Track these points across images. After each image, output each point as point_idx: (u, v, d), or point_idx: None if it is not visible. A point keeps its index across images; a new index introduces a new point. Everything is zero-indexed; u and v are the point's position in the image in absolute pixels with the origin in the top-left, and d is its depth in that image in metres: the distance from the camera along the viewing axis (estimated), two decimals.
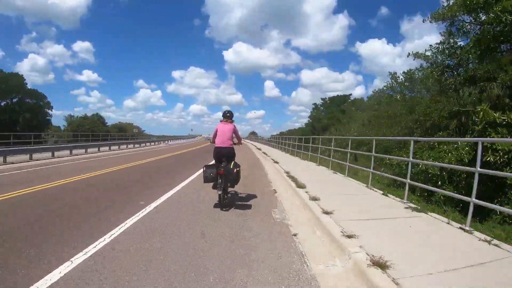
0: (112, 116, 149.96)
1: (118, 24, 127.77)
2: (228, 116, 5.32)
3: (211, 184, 5.05)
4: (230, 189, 5.80)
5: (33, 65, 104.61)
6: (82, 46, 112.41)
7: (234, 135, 5.26)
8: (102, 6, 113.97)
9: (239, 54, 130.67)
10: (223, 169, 4.84)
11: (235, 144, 5.36)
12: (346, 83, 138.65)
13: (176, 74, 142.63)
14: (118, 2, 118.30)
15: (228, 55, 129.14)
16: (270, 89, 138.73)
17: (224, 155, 5.06)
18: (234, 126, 5.28)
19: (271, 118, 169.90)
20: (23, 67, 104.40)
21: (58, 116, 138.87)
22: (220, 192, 4.82)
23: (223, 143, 5.08)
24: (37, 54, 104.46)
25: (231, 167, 4.91)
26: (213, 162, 5.35)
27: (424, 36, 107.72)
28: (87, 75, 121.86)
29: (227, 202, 5.26)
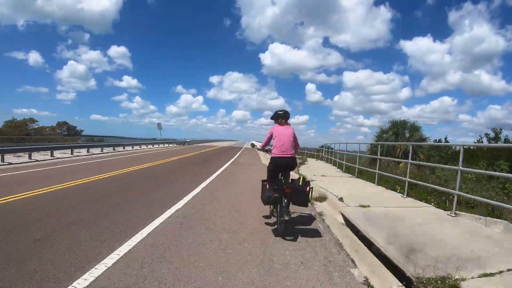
0: (156, 122, 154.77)
1: (150, 28, 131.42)
2: (286, 117, 4.23)
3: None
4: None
5: (72, 72, 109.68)
6: (117, 51, 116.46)
7: (294, 141, 4.15)
8: (132, 10, 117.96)
9: (276, 56, 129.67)
10: (291, 187, 3.75)
11: (295, 153, 4.26)
12: (391, 85, 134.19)
13: (214, 79, 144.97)
14: (148, 6, 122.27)
15: (265, 57, 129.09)
16: (312, 92, 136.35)
17: (288, 167, 4.08)
18: (293, 129, 4.19)
19: (315, 124, 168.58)
20: (63, 74, 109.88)
21: (104, 121, 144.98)
22: (287, 218, 3.64)
23: (285, 152, 3.99)
24: (75, 61, 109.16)
25: (300, 183, 3.78)
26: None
27: (475, 27, 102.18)
28: (127, 81, 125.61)
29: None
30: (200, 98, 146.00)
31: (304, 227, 4.32)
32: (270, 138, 4.22)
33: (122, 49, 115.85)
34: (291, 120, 4.37)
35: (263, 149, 4.63)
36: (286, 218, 3.64)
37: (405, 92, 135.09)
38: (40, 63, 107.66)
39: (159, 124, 40.86)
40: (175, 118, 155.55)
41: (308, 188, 3.77)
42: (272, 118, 4.34)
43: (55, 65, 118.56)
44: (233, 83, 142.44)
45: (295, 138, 4.17)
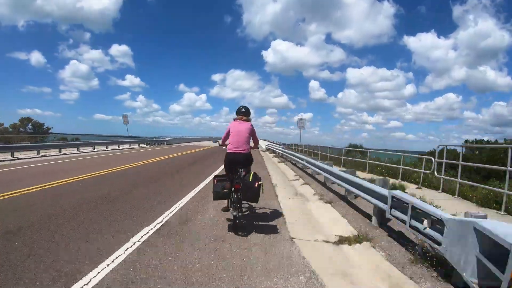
0: (161, 121, 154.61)
1: (151, 26, 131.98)
2: (243, 113, 4.29)
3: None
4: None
5: (74, 72, 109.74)
6: (119, 49, 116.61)
7: (251, 137, 4.25)
8: (133, 9, 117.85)
9: (278, 53, 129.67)
10: (240, 183, 3.78)
11: (251, 148, 4.34)
12: (395, 82, 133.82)
13: (216, 77, 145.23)
14: (148, 4, 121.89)
15: (267, 54, 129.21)
16: (316, 90, 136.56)
17: (240, 162, 4.08)
18: (252, 125, 4.25)
19: (319, 121, 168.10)
20: (66, 74, 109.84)
21: (108, 121, 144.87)
22: (235, 213, 3.78)
23: (238, 148, 4.09)
24: (77, 61, 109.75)
25: (250, 179, 3.78)
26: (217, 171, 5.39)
27: (479, 22, 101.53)
28: (130, 79, 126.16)
29: (243, 221, 4.19)
30: (203, 96, 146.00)
31: (263, 223, 4.40)
32: (228, 133, 4.29)
33: (124, 47, 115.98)
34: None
35: (222, 144, 4.50)
36: (234, 213, 3.82)
37: (410, 89, 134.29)
38: (42, 63, 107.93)
39: (124, 117, 30.93)
40: (179, 117, 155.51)
41: (257, 183, 3.77)
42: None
43: (57, 65, 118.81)
44: (236, 81, 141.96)
45: (252, 133, 4.25)
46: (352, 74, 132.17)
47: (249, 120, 4.31)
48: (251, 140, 4.31)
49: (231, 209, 3.85)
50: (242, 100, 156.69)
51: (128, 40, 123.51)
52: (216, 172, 9.14)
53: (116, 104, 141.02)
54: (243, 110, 4.33)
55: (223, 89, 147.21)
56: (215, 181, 3.89)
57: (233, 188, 3.80)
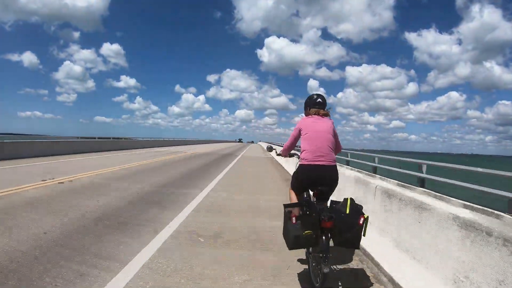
0: (161, 123, 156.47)
1: (142, 24, 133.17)
2: (319, 104, 2.82)
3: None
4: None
5: (68, 73, 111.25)
6: (111, 48, 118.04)
7: (334, 140, 2.74)
8: (122, 6, 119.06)
9: (273, 51, 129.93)
10: (333, 217, 2.27)
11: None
12: (396, 80, 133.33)
13: (212, 77, 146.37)
14: (137, 1, 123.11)
15: (262, 53, 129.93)
16: (314, 90, 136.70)
17: (326, 182, 2.59)
18: (333, 122, 2.81)
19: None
20: (60, 75, 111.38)
21: (108, 123, 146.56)
22: (327, 270, 2.17)
23: (321, 157, 2.58)
24: (70, 62, 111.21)
25: (347, 210, 2.33)
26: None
27: (485, 13, 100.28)
28: (125, 80, 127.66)
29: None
30: (201, 97, 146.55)
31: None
32: (297, 137, 2.80)
33: (116, 46, 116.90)
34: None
35: (286, 153, 3.13)
36: (326, 270, 2.19)
37: (411, 88, 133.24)
38: (35, 64, 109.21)
39: None
40: (179, 119, 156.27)
41: (362, 219, 2.30)
42: (305, 107, 2.92)
43: (50, 66, 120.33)
44: (231, 81, 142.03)
45: (335, 135, 2.77)
46: (352, 72, 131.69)
47: (329, 115, 2.84)
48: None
49: (319, 261, 2.27)
50: (241, 101, 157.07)
51: (119, 38, 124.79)
52: None
53: (114, 106, 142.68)
54: (319, 100, 2.84)
55: (221, 90, 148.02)
56: (293, 215, 2.30)
57: (320, 228, 2.28)
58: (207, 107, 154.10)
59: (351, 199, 2.43)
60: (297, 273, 2.74)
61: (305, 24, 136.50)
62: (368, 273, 2.83)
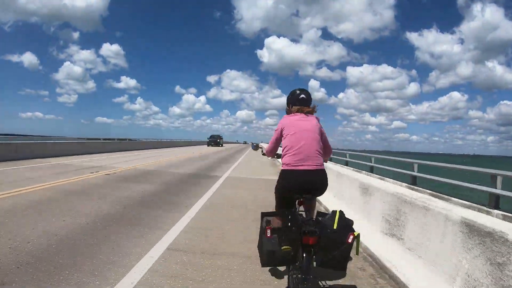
0: (162, 124, 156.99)
1: (142, 24, 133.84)
2: (304, 101, 2.44)
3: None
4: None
5: (69, 74, 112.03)
6: (111, 49, 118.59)
7: (322, 142, 2.38)
8: (121, 6, 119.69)
9: (273, 51, 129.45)
10: (316, 232, 1.88)
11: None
12: (397, 80, 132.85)
13: (212, 78, 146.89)
14: (137, 1, 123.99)
15: (262, 53, 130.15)
16: (315, 90, 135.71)
17: (312, 188, 2.22)
18: (319, 120, 2.45)
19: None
20: (60, 76, 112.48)
21: (110, 124, 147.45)
22: None
23: (305, 161, 2.23)
24: (70, 62, 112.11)
25: (335, 225, 1.92)
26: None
27: (487, 11, 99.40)
28: (125, 81, 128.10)
29: None
30: (202, 98, 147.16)
31: None
32: (279, 138, 2.43)
33: (115, 47, 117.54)
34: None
35: (270, 155, 2.81)
36: None
37: (413, 88, 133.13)
38: (35, 65, 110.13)
39: None
40: (180, 120, 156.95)
41: (351, 237, 1.89)
42: (287, 103, 2.57)
43: (50, 67, 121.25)
44: (232, 81, 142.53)
45: (322, 135, 2.40)
46: (352, 72, 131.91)
47: (313, 113, 2.47)
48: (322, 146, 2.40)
49: (300, 285, 1.87)
50: (241, 101, 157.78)
51: (118, 39, 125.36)
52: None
53: (115, 106, 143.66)
54: (302, 96, 2.46)
55: (222, 90, 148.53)
56: (268, 227, 1.93)
57: (302, 244, 1.91)
58: (208, 107, 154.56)
59: (340, 212, 2.02)
60: None
61: (305, 24, 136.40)
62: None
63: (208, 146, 34.23)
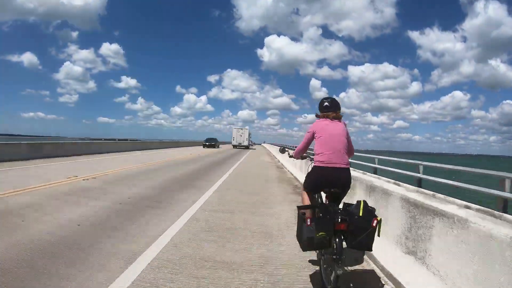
0: (164, 124, 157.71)
1: (140, 22, 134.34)
2: (331, 108, 2.80)
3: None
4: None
5: (68, 73, 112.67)
6: (110, 48, 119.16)
7: (347, 142, 2.76)
8: (119, 5, 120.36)
9: (273, 50, 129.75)
10: (347, 220, 2.33)
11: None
12: (399, 80, 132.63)
13: (213, 78, 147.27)
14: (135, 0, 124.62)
15: (262, 53, 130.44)
16: (317, 90, 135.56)
17: (339, 184, 2.62)
18: (346, 125, 2.83)
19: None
20: (61, 76, 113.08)
21: (111, 124, 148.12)
22: (340, 271, 2.20)
23: (335, 160, 2.60)
24: (69, 62, 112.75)
25: (361, 212, 2.33)
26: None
27: (490, 8, 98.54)
28: (126, 81, 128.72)
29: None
30: (203, 98, 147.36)
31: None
32: (311, 139, 2.83)
33: (115, 46, 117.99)
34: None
35: (299, 156, 3.17)
36: (339, 272, 2.19)
37: (415, 87, 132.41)
38: (35, 65, 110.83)
39: None
40: (181, 120, 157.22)
41: (375, 221, 2.31)
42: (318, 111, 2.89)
43: (50, 67, 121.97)
44: (233, 81, 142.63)
45: (348, 138, 2.79)
46: (354, 72, 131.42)
47: (340, 118, 2.82)
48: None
49: (332, 263, 2.29)
50: (243, 101, 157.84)
51: (117, 38, 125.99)
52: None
53: (116, 106, 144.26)
54: (326, 103, 2.82)
55: (223, 90, 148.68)
56: (308, 217, 2.35)
57: (334, 230, 2.32)
58: (209, 107, 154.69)
59: (364, 202, 2.42)
60: None
61: (305, 22, 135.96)
62: (379, 274, 2.88)
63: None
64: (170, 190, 6.64)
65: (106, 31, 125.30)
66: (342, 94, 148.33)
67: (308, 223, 2.31)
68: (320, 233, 2.26)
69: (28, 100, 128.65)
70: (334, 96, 2.81)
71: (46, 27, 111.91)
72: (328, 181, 2.63)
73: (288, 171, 12.09)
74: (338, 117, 2.80)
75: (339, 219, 2.32)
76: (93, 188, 6.29)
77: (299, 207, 2.58)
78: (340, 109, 2.85)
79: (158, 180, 7.93)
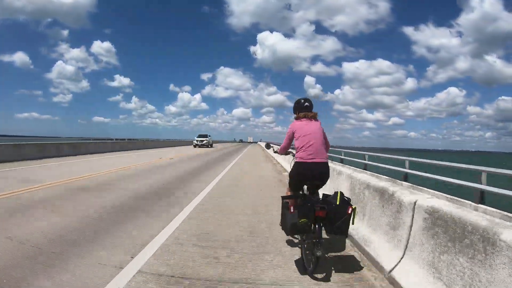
0: (159, 123, 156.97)
1: (131, 20, 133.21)
2: (307, 108, 3.17)
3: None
4: None
5: (61, 73, 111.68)
6: (102, 46, 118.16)
7: (323, 139, 3.12)
8: (110, 2, 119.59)
9: (266, 47, 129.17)
10: (325, 208, 2.62)
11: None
12: (394, 76, 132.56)
13: (206, 76, 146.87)
14: None
15: (255, 50, 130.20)
16: (311, 86, 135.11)
17: (318, 177, 3.01)
18: (321, 123, 3.17)
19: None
20: (53, 75, 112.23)
21: (107, 123, 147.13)
22: (319, 253, 2.47)
23: (315, 155, 2.94)
24: (62, 61, 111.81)
25: (338, 201, 2.67)
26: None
27: (486, 3, 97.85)
28: (119, 80, 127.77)
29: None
30: (198, 96, 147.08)
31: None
32: (292, 138, 3.16)
33: (107, 44, 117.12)
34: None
35: (282, 152, 3.56)
36: (319, 253, 2.48)
37: (410, 83, 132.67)
38: (27, 65, 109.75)
39: None
40: (176, 118, 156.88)
41: (350, 209, 2.64)
42: (294, 111, 3.27)
43: (42, 66, 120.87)
44: (226, 79, 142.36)
45: (324, 135, 3.13)
46: (348, 68, 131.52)
47: (316, 117, 3.17)
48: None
49: (312, 247, 2.59)
50: (237, 99, 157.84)
51: (109, 36, 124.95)
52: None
53: (111, 106, 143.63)
54: (306, 104, 3.19)
55: (215, 89, 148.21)
56: (291, 206, 2.71)
57: (314, 217, 2.62)
58: (204, 105, 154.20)
59: (341, 193, 2.79)
60: None
61: (297, 17, 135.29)
62: (358, 258, 3.06)
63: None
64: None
65: (97, 29, 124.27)
66: (337, 91, 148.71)
67: (292, 211, 2.65)
68: (302, 220, 2.57)
69: (22, 101, 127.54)
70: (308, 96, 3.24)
71: (36, 26, 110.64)
72: (309, 175, 2.99)
73: None
74: (315, 116, 3.16)
75: (319, 208, 2.61)
76: None
77: (283, 197, 2.89)
78: (312, 108, 3.23)
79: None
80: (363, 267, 2.84)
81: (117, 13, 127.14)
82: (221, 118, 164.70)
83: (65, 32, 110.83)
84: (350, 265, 2.89)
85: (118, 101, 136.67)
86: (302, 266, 2.75)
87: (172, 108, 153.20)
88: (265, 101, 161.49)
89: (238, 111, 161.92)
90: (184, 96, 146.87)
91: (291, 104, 3.40)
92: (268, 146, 5.29)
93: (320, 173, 2.99)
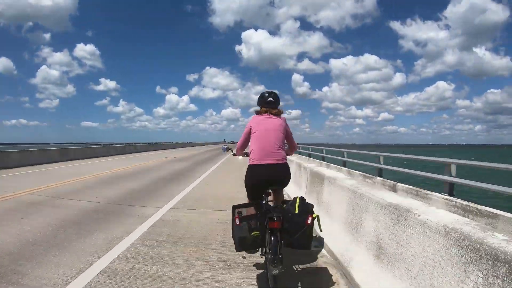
0: (148, 126, 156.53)
1: (114, 21, 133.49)
2: (270, 103, 2.76)
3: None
4: None
5: (45, 78, 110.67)
6: (85, 49, 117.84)
7: (285, 138, 2.75)
8: (91, 4, 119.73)
9: (251, 45, 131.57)
10: (280, 218, 2.24)
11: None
12: (382, 72, 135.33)
13: (192, 77, 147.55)
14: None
15: (240, 48, 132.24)
16: (299, 85, 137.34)
17: (275, 180, 2.58)
18: (285, 121, 2.77)
19: (307, 117, 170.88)
20: (37, 81, 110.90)
21: (95, 127, 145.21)
22: (275, 272, 2.13)
23: (268, 156, 2.54)
24: (46, 66, 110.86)
25: (296, 209, 2.31)
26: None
27: None
28: (104, 83, 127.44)
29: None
30: (185, 97, 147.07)
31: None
32: (248, 135, 2.71)
33: (90, 47, 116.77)
34: (284, 116, 2.86)
35: (240, 153, 3.06)
36: (275, 272, 2.13)
37: (398, 78, 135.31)
38: (11, 71, 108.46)
39: None
40: (165, 121, 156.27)
41: (310, 218, 2.25)
42: (258, 105, 2.85)
43: (26, 72, 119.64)
44: (212, 79, 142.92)
45: (286, 133, 2.72)
46: (336, 64, 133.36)
47: (280, 114, 2.77)
48: (285, 143, 2.80)
49: (269, 265, 2.17)
50: (225, 99, 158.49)
51: (91, 38, 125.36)
52: None
53: (98, 110, 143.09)
54: (270, 99, 2.76)
55: (202, 89, 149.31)
56: (236, 217, 2.28)
57: (268, 228, 2.25)
58: (193, 107, 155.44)
59: (301, 198, 2.40)
60: None
61: (281, 14, 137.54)
62: (331, 272, 2.70)
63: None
64: None
65: (79, 32, 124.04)
66: (325, 88, 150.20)
67: (237, 223, 2.24)
68: (253, 232, 2.23)
69: (8, 107, 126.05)
70: (276, 91, 2.82)
71: (18, 30, 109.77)
72: (264, 179, 2.54)
73: None
74: (279, 113, 2.76)
75: (274, 217, 2.21)
76: None
77: (234, 206, 2.46)
78: (279, 102, 2.82)
79: None
80: (335, 283, 2.52)
81: (99, 15, 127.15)
82: (210, 119, 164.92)
83: (47, 36, 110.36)
84: (323, 280, 2.55)
85: (105, 105, 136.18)
86: (266, 282, 2.38)
87: (160, 111, 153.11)
88: (253, 101, 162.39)
89: (227, 112, 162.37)
90: (171, 98, 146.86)
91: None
92: (227, 149, 3.81)
93: (278, 177, 2.56)
